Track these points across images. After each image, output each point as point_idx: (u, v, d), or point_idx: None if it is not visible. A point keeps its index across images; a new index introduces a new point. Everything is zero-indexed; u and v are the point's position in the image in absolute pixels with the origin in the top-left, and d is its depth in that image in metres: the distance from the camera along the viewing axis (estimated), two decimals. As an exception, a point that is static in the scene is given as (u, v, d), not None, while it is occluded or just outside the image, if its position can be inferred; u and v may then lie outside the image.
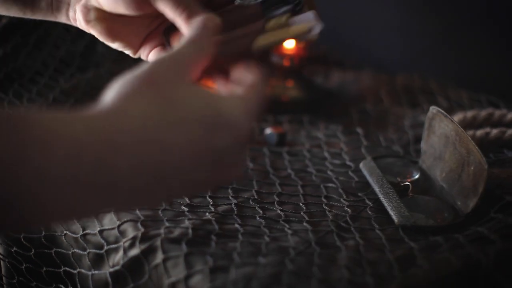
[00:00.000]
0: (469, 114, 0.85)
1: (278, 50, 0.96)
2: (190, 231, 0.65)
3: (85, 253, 0.69)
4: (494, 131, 0.81)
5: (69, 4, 0.66)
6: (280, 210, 0.71)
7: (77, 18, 0.65)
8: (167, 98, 0.50)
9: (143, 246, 0.65)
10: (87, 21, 0.65)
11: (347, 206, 0.72)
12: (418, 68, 1.01)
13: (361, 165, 0.78)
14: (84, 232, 0.70)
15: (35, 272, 0.73)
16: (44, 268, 0.73)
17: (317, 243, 0.65)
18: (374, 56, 1.09)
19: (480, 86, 0.95)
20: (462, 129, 0.71)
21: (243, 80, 0.55)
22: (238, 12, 0.66)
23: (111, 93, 0.48)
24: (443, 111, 0.75)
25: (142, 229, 0.66)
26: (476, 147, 0.69)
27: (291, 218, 0.69)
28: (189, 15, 0.63)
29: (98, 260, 0.68)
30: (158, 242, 0.64)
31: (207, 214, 0.69)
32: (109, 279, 0.66)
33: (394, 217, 0.68)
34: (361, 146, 0.84)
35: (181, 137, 0.48)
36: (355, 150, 0.83)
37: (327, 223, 0.68)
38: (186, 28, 0.62)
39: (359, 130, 0.88)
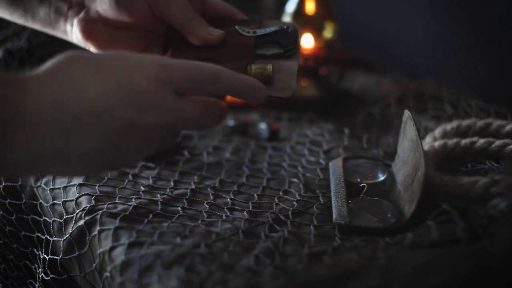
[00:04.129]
0: (465, 122, 0.83)
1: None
2: (131, 208, 0.69)
3: (51, 221, 0.75)
4: (481, 141, 0.78)
5: (66, 17, 0.71)
6: (231, 199, 0.73)
7: (73, 32, 0.71)
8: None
9: (87, 218, 0.69)
10: (86, 34, 0.70)
11: (297, 201, 0.72)
12: (442, 75, 0.98)
13: (330, 164, 0.78)
14: (53, 202, 0.75)
15: (16, 236, 0.80)
16: (23, 232, 0.79)
17: (244, 231, 0.66)
18: (402, 61, 1.07)
19: (500, 97, 0.91)
20: (417, 134, 0.70)
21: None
22: (232, 36, 0.70)
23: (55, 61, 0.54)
24: (411, 115, 0.73)
25: (93, 203, 0.71)
26: (423, 152, 0.67)
27: (235, 207, 0.71)
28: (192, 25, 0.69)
29: (60, 228, 0.74)
30: (98, 215, 0.69)
31: (158, 195, 0.72)
32: (62, 246, 0.71)
33: (333, 215, 0.68)
34: (340, 146, 0.84)
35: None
36: (334, 150, 0.83)
37: (267, 214, 0.70)
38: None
39: (346, 130, 0.87)
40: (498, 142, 0.77)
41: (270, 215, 0.69)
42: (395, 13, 1.13)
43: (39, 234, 0.77)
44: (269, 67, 0.67)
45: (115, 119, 0.55)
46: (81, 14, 0.69)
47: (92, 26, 0.69)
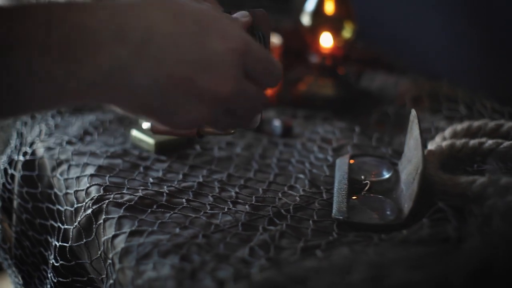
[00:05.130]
0: (476, 123, 0.82)
1: (314, 48, 0.99)
2: (136, 198, 0.71)
3: (63, 209, 0.78)
4: (489, 142, 0.78)
5: None
6: (236, 192, 0.74)
7: None
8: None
9: (95, 207, 0.71)
10: None
11: (300, 196, 0.73)
12: (461, 76, 0.98)
13: (336, 161, 0.79)
14: (66, 191, 0.78)
15: (32, 223, 0.83)
16: (38, 220, 0.82)
17: (243, 224, 0.68)
18: (422, 62, 1.07)
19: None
20: (420, 132, 0.70)
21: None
22: None
23: None
24: (416, 115, 0.74)
25: (101, 192, 0.73)
26: (423, 151, 0.68)
27: (239, 200, 0.73)
28: None
29: (71, 217, 0.76)
30: (105, 205, 0.71)
31: (165, 187, 0.74)
32: (71, 234, 0.74)
33: (333, 210, 0.69)
34: (349, 144, 0.85)
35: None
36: (343, 147, 0.84)
37: (269, 208, 0.71)
38: None
39: (357, 128, 0.88)
40: (506, 143, 0.77)
41: (272, 209, 0.71)
42: (416, 14, 1.13)
43: (52, 222, 0.80)
44: None
45: (173, 67, 0.55)
46: None
47: None
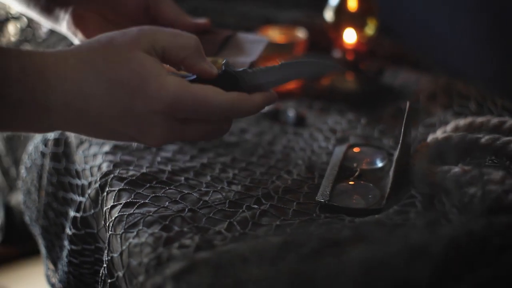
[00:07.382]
0: (479, 119, 0.84)
1: (338, 44, 1.02)
2: (138, 174, 0.77)
3: (80, 183, 0.84)
4: (486, 137, 0.79)
5: (63, 4, 0.78)
6: (234, 174, 0.79)
7: (65, 18, 0.78)
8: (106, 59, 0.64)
9: (102, 181, 0.78)
10: (77, 21, 0.78)
11: (292, 180, 0.77)
12: (485, 76, 0.99)
13: (335, 149, 0.82)
14: (84, 166, 0.84)
15: (56, 196, 0.90)
16: (61, 193, 0.89)
17: (230, 202, 0.72)
18: (447, 60, 1.08)
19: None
20: (407, 124, 0.73)
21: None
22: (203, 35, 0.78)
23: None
24: (410, 106, 0.76)
25: (110, 168, 0.79)
26: (403, 140, 0.70)
27: (234, 181, 0.77)
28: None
29: (86, 190, 0.83)
30: (109, 179, 0.77)
31: (170, 166, 0.80)
32: (82, 206, 0.80)
33: (317, 194, 0.73)
34: (353, 134, 0.88)
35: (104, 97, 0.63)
36: (347, 137, 0.87)
37: (260, 189, 0.75)
38: None
39: (362, 120, 0.91)
40: (503, 139, 0.78)
41: (262, 190, 0.75)
42: (443, 13, 1.14)
43: (72, 195, 0.87)
44: (220, 61, 0.73)
45: (110, 130, 0.66)
46: (78, 2, 0.77)
47: (86, 14, 0.77)
